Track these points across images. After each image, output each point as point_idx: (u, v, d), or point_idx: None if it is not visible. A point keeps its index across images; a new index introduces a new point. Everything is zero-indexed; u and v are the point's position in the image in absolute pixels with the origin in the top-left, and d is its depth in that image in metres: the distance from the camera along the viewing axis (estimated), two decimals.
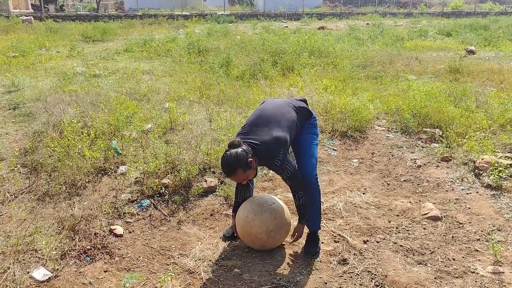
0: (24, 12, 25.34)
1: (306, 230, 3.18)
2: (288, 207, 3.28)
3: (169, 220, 3.52)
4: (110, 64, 8.98)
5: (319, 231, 3.19)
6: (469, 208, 3.69)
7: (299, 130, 3.03)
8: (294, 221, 3.20)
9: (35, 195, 3.73)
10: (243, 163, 2.63)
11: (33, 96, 6.20)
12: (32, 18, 19.52)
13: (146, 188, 3.83)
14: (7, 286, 2.61)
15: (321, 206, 3.71)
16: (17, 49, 10.00)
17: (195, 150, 4.29)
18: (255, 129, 2.80)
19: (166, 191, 3.81)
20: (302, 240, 3.19)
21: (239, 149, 2.64)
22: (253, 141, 2.72)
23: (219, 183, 4.01)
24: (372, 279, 2.84)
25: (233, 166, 2.64)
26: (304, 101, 3.18)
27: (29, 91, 6.49)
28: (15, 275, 2.70)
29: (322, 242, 3.23)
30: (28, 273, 2.76)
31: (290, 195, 3.86)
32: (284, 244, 3.20)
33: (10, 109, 5.92)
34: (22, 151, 4.49)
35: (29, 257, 2.91)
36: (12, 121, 5.48)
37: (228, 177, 2.77)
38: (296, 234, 3.08)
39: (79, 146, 4.11)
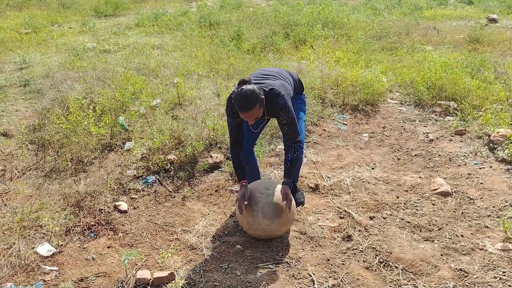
0: None
1: None
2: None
3: (174, 196, 3.51)
4: (121, 39, 8.89)
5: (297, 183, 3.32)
6: (481, 183, 3.58)
7: (292, 101, 2.99)
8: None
9: (42, 171, 3.76)
10: (260, 98, 2.60)
11: (43, 72, 6.20)
12: None
13: (151, 164, 3.81)
14: (12, 261, 2.65)
15: (328, 181, 3.67)
16: (30, 26, 9.97)
17: (200, 126, 4.24)
18: (259, 78, 2.85)
19: (171, 167, 3.80)
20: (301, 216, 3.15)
21: (254, 85, 2.64)
22: (260, 85, 2.74)
23: (225, 158, 3.97)
24: (376, 255, 2.79)
25: (252, 101, 2.57)
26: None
27: (39, 68, 6.49)
28: (20, 251, 2.74)
29: (327, 219, 3.18)
30: (33, 248, 2.80)
31: None
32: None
33: (21, 86, 5.94)
34: (30, 128, 4.52)
35: (34, 233, 2.95)
36: (23, 98, 5.50)
37: (243, 113, 2.60)
38: (287, 197, 2.77)
39: (85, 123, 4.10)
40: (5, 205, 3.27)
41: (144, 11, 12.87)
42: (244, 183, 2.86)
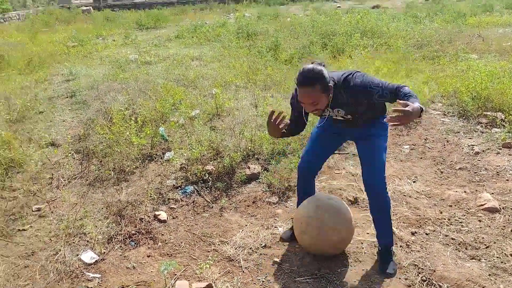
0: (84, 2, 26.47)
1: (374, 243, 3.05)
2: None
3: (212, 207, 3.54)
4: (162, 51, 9.16)
5: (392, 247, 2.81)
6: None
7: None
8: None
9: (87, 180, 3.90)
10: (325, 80, 2.29)
11: (88, 84, 6.46)
12: (91, 8, 20.39)
13: (190, 175, 3.87)
14: (57, 267, 2.75)
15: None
16: (76, 39, 10.48)
17: (238, 137, 4.27)
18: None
19: (209, 177, 3.83)
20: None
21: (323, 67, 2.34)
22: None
23: (262, 170, 3.97)
24: (419, 273, 2.69)
25: (314, 78, 2.27)
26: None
27: (85, 80, 6.77)
28: (65, 257, 2.85)
29: (367, 233, 3.10)
30: (77, 255, 2.90)
31: (335, 182, 3.77)
32: None
33: (67, 97, 6.22)
34: (76, 137, 4.71)
35: (79, 240, 3.05)
36: (69, 109, 5.75)
37: (301, 89, 2.30)
38: (408, 105, 2.03)
39: (127, 133, 4.23)
40: (52, 212, 3.40)
41: (183, 23, 13.20)
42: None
